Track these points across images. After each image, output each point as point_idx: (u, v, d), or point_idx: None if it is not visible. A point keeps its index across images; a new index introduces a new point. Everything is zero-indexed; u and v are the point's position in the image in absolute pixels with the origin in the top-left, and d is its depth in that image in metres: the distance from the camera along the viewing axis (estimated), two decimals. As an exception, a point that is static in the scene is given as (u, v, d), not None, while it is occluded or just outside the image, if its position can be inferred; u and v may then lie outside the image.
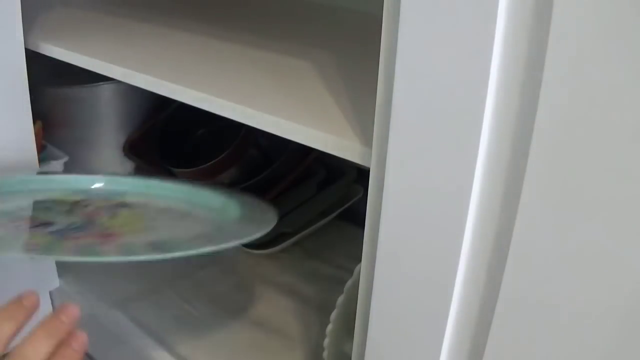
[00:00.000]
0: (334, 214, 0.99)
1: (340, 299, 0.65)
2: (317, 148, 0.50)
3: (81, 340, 0.52)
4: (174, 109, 1.07)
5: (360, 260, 0.50)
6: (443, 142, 0.40)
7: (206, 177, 0.96)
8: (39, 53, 0.76)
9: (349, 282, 0.64)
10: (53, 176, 0.83)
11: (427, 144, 0.40)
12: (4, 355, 0.50)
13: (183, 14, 0.90)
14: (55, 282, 0.90)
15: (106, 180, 0.75)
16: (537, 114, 0.35)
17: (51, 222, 0.63)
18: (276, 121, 0.52)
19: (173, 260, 0.53)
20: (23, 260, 0.84)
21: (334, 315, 0.65)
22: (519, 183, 0.37)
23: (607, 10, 0.31)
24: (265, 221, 0.64)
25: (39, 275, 0.87)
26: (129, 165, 1.12)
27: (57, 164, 1.01)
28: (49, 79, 1.01)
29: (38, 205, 0.70)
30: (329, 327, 0.66)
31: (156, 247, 0.58)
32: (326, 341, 0.66)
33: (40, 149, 0.99)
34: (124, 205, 0.70)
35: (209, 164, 0.93)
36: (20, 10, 0.72)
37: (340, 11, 0.94)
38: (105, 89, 1.02)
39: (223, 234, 0.61)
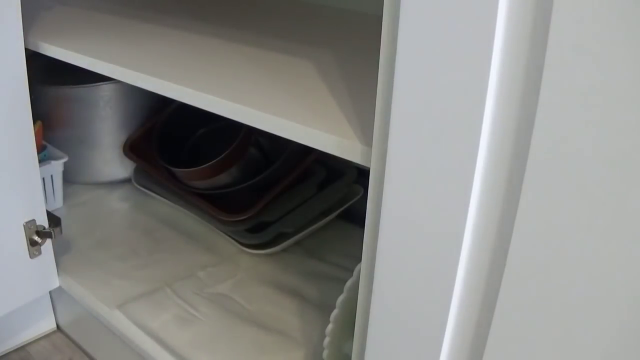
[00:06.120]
0: (334, 214, 0.99)
1: (340, 299, 0.65)
2: (317, 148, 0.50)
3: None
4: (174, 109, 1.07)
5: (360, 260, 0.50)
6: (443, 142, 0.40)
7: (206, 177, 0.96)
8: (39, 53, 0.76)
9: (349, 282, 0.64)
10: None
11: (427, 144, 0.40)
12: None
13: (183, 13, 0.90)
14: (55, 282, 0.90)
15: None
16: (536, 114, 0.35)
17: None
18: (276, 121, 0.52)
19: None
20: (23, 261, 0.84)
21: (334, 315, 0.65)
22: (519, 179, 0.37)
23: (607, 12, 0.31)
24: None
25: (39, 275, 0.87)
26: (129, 165, 1.12)
27: (57, 164, 1.02)
28: (48, 79, 1.01)
29: None
30: (329, 327, 0.66)
31: None
32: (326, 341, 0.66)
33: (40, 149, 0.99)
34: None
35: (209, 164, 0.93)
36: (20, 10, 0.72)
37: (340, 11, 0.94)
38: (105, 89, 1.02)
39: None
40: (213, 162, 0.93)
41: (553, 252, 0.37)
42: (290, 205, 0.95)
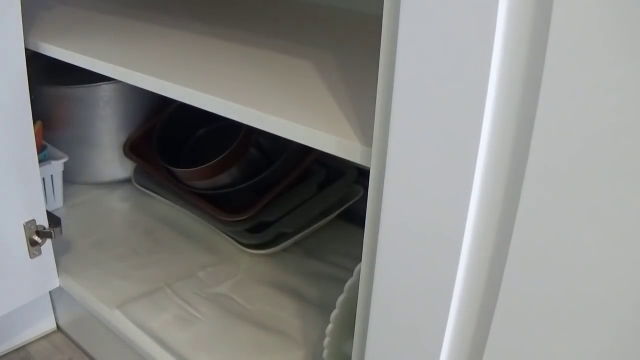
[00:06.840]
0: (334, 214, 0.99)
1: (340, 299, 0.65)
2: (317, 148, 0.50)
3: None
4: (174, 109, 1.07)
5: (360, 260, 0.50)
6: (443, 142, 0.40)
7: (206, 177, 0.96)
8: (38, 53, 0.76)
9: (349, 282, 0.64)
10: None
11: (427, 144, 0.40)
12: None
13: (183, 13, 0.90)
14: (55, 282, 0.90)
15: None
16: (536, 114, 0.35)
17: None
18: (276, 121, 0.52)
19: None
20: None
21: (334, 315, 0.65)
22: (519, 179, 0.37)
23: (607, 12, 0.31)
24: None
25: (39, 275, 0.87)
26: (129, 165, 1.12)
27: (57, 164, 1.02)
28: (48, 79, 1.01)
29: None
30: (329, 327, 0.66)
31: None
32: (326, 341, 0.66)
33: (40, 148, 0.99)
34: None
35: (209, 164, 0.93)
36: (20, 10, 0.72)
37: (340, 11, 0.94)
38: (105, 89, 1.02)
39: None
40: (213, 162, 0.93)
41: (553, 252, 0.37)
42: (290, 205, 0.95)
